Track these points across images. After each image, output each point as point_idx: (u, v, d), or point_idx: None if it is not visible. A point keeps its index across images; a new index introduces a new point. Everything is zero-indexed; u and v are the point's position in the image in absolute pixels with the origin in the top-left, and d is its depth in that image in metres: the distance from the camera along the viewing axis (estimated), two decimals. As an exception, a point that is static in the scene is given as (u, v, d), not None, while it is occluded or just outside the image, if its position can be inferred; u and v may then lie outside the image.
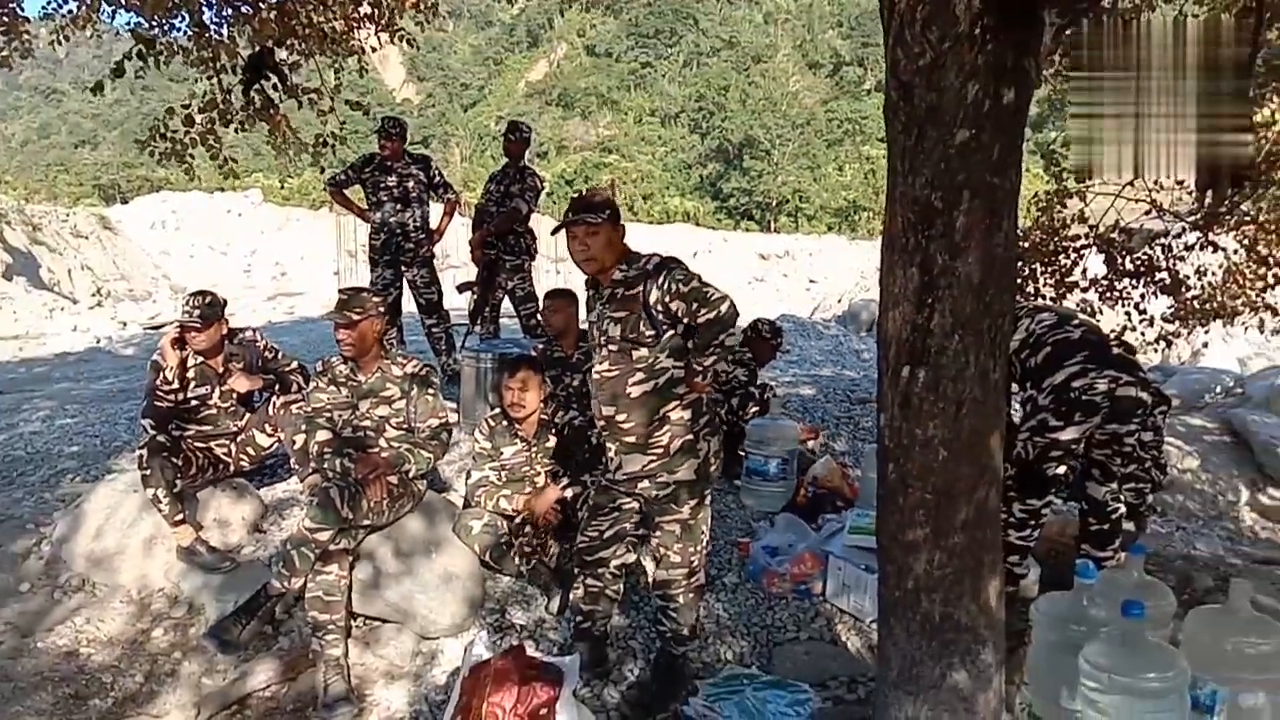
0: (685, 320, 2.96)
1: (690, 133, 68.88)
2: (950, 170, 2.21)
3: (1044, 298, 6.76)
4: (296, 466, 4.24)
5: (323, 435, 3.74)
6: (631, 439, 3.10)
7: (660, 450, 3.09)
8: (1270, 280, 7.06)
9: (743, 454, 4.89)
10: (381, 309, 3.83)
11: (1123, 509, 3.83)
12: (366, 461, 3.66)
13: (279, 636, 3.66)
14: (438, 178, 6.33)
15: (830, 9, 77.12)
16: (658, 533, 3.26)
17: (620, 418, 3.09)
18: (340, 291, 3.81)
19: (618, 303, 3.07)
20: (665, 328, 3.01)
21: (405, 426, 3.81)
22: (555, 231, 3.32)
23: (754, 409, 5.25)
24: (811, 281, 27.48)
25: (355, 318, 3.68)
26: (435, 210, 6.49)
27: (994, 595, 2.45)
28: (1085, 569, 2.75)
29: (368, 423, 3.78)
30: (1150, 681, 2.31)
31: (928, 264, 2.27)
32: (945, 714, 2.42)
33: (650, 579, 3.33)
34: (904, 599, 2.47)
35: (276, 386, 4.33)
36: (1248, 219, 7.06)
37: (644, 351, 3.02)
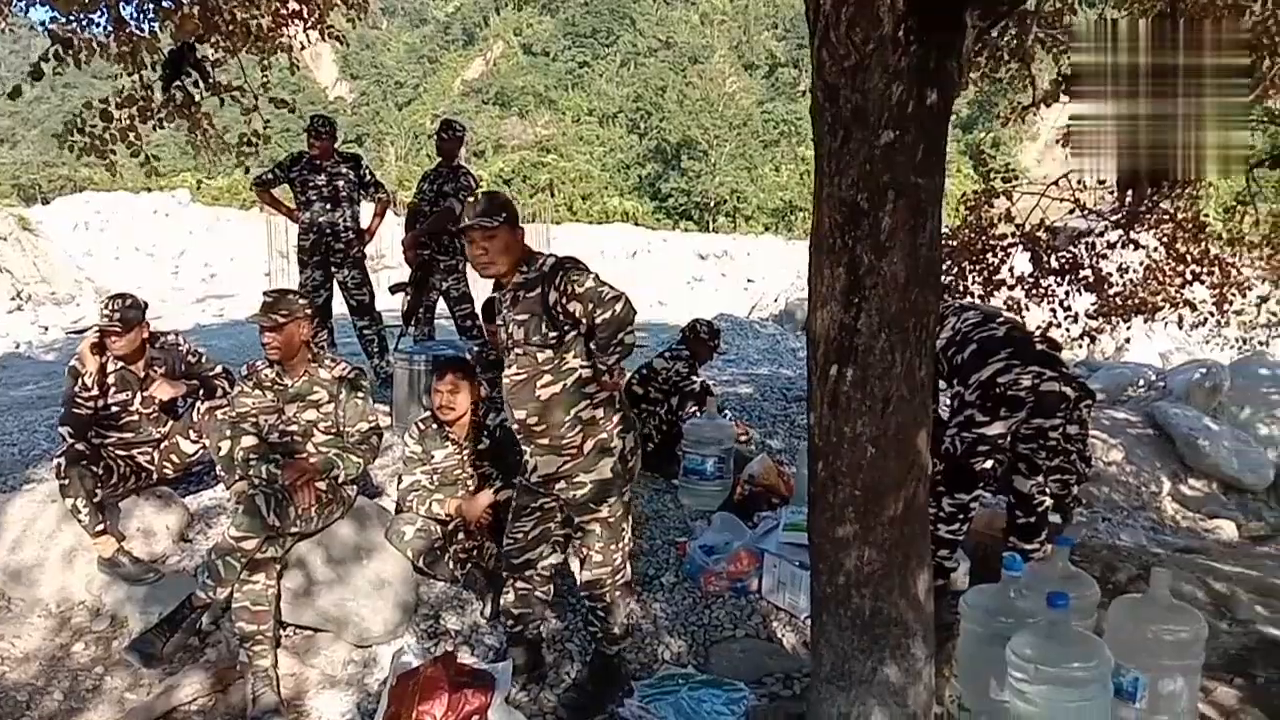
0: (584, 321, 2.96)
1: (628, 133, 68.89)
2: (875, 171, 2.23)
3: (973, 295, 6.90)
4: (222, 474, 4.14)
5: (248, 441, 3.65)
6: (545, 441, 3.09)
7: (574, 451, 3.08)
8: (1188, 276, 7.30)
9: (680, 453, 4.91)
10: (308, 311, 3.75)
11: (1049, 501, 3.92)
12: (294, 467, 3.58)
13: (206, 648, 3.57)
14: (368, 177, 6.23)
15: (765, 10, 77.76)
16: (580, 534, 3.26)
17: (532, 421, 3.07)
18: (265, 294, 3.71)
19: (520, 306, 3.05)
20: (568, 328, 3.00)
21: (334, 431, 3.74)
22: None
23: (693, 408, 5.27)
24: (749, 281, 27.63)
25: (280, 320, 3.60)
26: (367, 210, 6.40)
27: (923, 589, 2.48)
28: (1012, 561, 2.80)
29: (295, 427, 3.70)
30: (1075, 671, 2.36)
31: (854, 264, 2.30)
32: (877, 708, 2.45)
33: (577, 580, 3.32)
34: (835, 595, 2.49)
35: (201, 392, 4.22)
36: (1167, 218, 7.28)
37: (549, 353, 3.01)
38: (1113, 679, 2.47)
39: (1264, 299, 7.87)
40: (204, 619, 3.56)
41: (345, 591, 3.61)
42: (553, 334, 2.99)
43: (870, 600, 2.43)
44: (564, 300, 2.93)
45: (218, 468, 4.17)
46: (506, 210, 3.04)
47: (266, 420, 3.72)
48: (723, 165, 58.55)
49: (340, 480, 3.70)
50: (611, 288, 2.95)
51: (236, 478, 3.86)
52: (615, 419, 3.14)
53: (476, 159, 60.84)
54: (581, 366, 3.04)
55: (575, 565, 3.36)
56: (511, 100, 75.04)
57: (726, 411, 5.73)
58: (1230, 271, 7.55)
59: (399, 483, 4.02)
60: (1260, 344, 8.47)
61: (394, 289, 6.38)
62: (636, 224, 42.17)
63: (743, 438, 5.47)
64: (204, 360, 4.31)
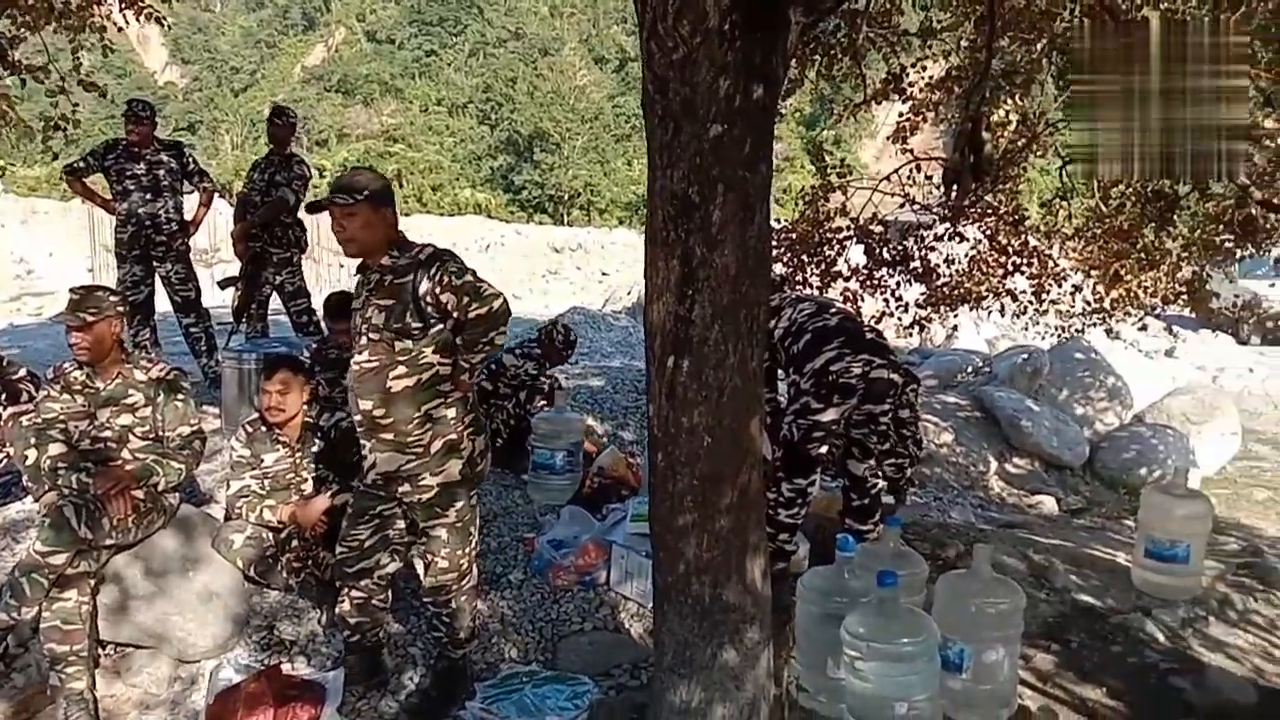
0: (455, 315, 2.88)
1: (479, 124, 67.72)
2: (705, 165, 2.25)
3: (811, 286, 7.11)
4: (30, 484, 3.82)
5: (56, 448, 3.38)
6: (389, 436, 2.97)
7: (420, 450, 2.98)
8: (1010, 267, 7.73)
9: (529, 448, 4.85)
10: (120, 308, 3.50)
11: (882, 484, 4.08)
12: (107, 475, 3.33)
13: (12, 673, 3.30)
14: (192, 165, 5.90)
15: (615, 4, 77.85)
16: (424, 539, 3.16)
17: (379, 413, 2.95)
18: (71, 290, 3.44)
19: (385, 290, 2.95)
20: (434, 321, 2.91)
21: (153, 436, 3.50)
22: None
23: (541, 402, 5.23)
24: (604, 274, 27.65)
25: (89, 319, 3.34)
26: (193, 202, 6.05)
27: (759, 575, 2.53)
28: (845, 542, 2.89)
29: (108, 433, 3.45)
30: (904, 646, 2.45)
31: (688, 256, 2.31)
32: (716, 693, 2.48)
33: (421, 585, 3.22)
34: (676, 583, 2.51)
35: (3, 396, 3.90)
36: (990, 212, 7.69)
37: (408, 344, 2.91)
38: (940, 652, 2.58)
39: (1078, 288, 8.41)
40: (9, 642, 3.29)
41: (168, 605, 3.41)
42: (416, 324, 2.89)
43: (709, 587, 2.46)
44: (437, 290, 2.85)
45: (24, 478, 3.85)
46: (369, 188, 2.94)
47: (77, 426, 3.46)
48: (576, 158, 58.36)
49: (160, 488, 3.47)
50: (490, 285, 2.89)
51: (45, 488, 3.57)
52: (467, 420, 3.06)
53: (319, 148, 58.80)
54: (440, 362, 2.95)
55: (420, 567, 3.26)
56: (355, 88, 72.52)
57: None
58: (1047, 263, 8.04)
59: (227, 489, 3.81)
60: (1077, 331, 9.04)
61: (223, 284, 6.07)
62: (490, 216, 41.57)
63: (597, 445, 5.45)
64: (6, 364, 3.99)
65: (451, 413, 3.01)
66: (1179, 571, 3.59)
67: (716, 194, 2.26)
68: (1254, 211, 6.58)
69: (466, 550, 3.16)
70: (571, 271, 28.58)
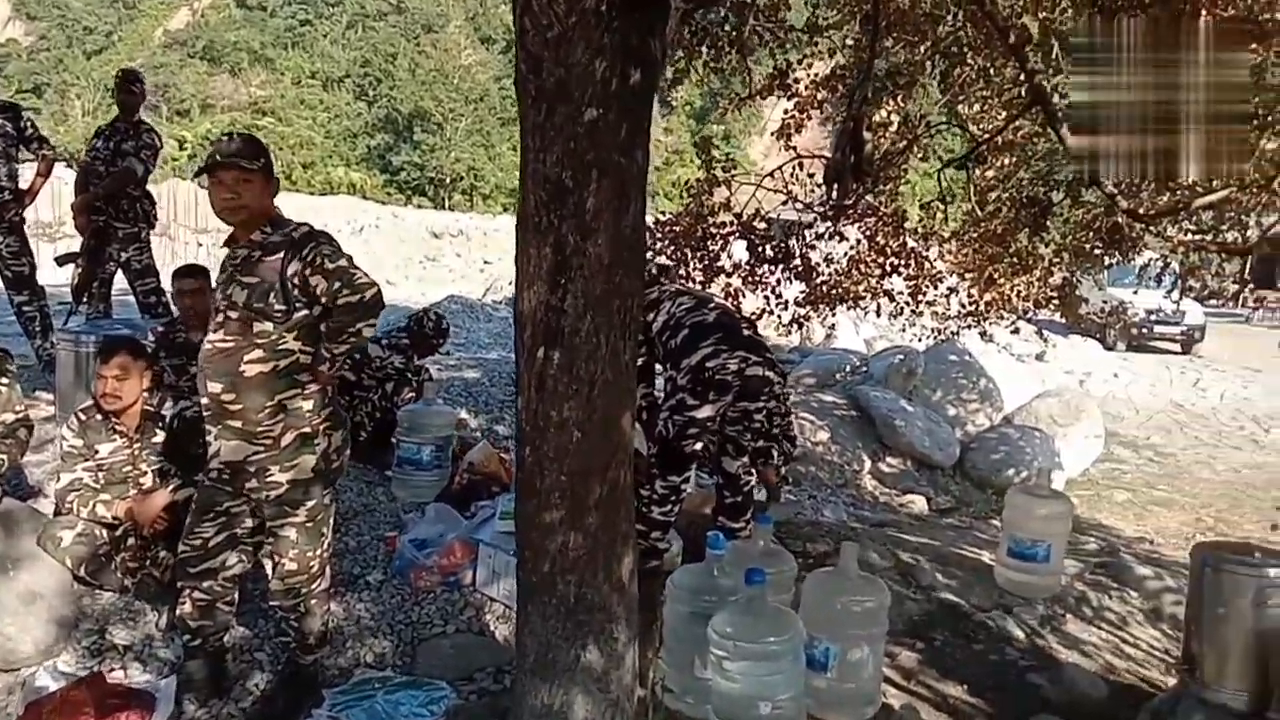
0: (324, 300, 2.73)
1: (356, 99, 65.48)
2: (579, 149, 2.17)
3: (694, 281, 7.08)
4: None
5: None
6: (237, 424, 2.79)
7: (269, 442, 2.81)
8: (888, 268, 7.87)
9: (395, 442, 4.66)
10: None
11: (755, 481, 4.07)
12: (-84, 466, 3.03)
13: None
14: (30, 130, 5.45)
15: (503, -15, 76.58)
16: (271, 539, 2.98)
17: (228, 398, 2.77)
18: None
19: (251, 267, 2.77)
20: (299, 305, 2.75)
21: (-30, 424, 3.21)
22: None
23: (409, 394, 5.04)
24: (486, 262, 27.21)
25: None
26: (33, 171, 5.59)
27: (627, 573, 2.47)
28: (715, 540, 2.86)
29: (-81, 420, 3.14)
30: (770, 645, 2.43)
31: (560, 244, 2.23)
32: (579, 695, 2.40)
33: (269, 587, 3.03)
34: (541, 582, 2.43)
35: None
36: (870, 212, 7.81)
37: (268, 326, 2.74)
38: (806, 650, 2.57)
39: (953, 291, 8.61)
40: None
41: (-14, 608, 3.11)
42: (279, 306, 2.72)
43: (575, 586, 2.39)
44: (306, 272, 2.69)
45: None
46: (265, 157, 2.81)
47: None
48: (459, 140, 57.14)
49: (-23, 480, 3.17)
50: (365, 274, 2.76)
51: None
52: (324, 413, 2.90)
53: (181, 118, 56.14)
54: (300, 350, 2.79)
55: (268, 567, 3.06)
56: (222, 56, 69.11)
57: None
58: (924, 265, 8.20)
59: (58, 481, 3.51)
60: (952, 333, 9.25)
61: (62, 260, 5.63)
62: (365, 197, 40.42)
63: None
64: None
65: (307, 405, 2.85)
66: (1039, 570, 3.70)
67: (591, 180, 2.18)
68: (1120, 220, 6.85)
69: (317, 551, 2.99)
70: (451, 258, 28.04)
